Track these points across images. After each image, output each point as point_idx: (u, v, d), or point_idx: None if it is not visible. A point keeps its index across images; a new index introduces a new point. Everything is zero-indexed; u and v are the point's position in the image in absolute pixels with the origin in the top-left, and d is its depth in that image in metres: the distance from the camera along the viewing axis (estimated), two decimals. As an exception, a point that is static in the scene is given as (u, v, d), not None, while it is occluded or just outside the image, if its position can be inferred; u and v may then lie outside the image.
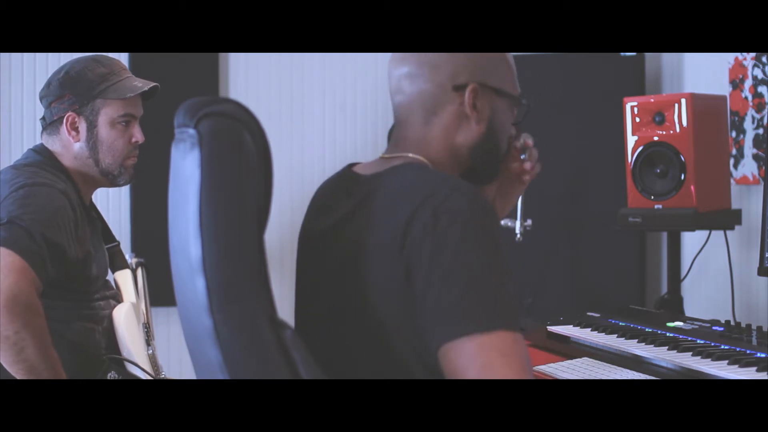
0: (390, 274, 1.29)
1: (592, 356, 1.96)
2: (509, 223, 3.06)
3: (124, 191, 3.54)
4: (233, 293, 1.19)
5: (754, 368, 1.68)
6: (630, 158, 2.68)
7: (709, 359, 1.76)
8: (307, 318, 1.48)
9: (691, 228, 2.64)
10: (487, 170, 1.51)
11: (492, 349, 1.20)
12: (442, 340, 1.23)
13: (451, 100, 1.44)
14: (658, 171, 2.64)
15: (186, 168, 1.20)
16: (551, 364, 1.93)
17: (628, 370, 1.82)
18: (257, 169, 1.21)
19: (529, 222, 3.10)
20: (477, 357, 1.20)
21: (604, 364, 1.89)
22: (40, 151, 2.11)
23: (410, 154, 1.44)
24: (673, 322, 2.14)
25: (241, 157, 1.20)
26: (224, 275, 1.18)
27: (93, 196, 2.20)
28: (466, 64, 1.44)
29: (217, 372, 1.20)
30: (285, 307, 1.25)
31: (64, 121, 2.08)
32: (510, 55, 1.52)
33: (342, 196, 1.44)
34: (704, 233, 2.79)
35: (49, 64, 3.43)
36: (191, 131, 1.19)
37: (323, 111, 3.80)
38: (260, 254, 1.20)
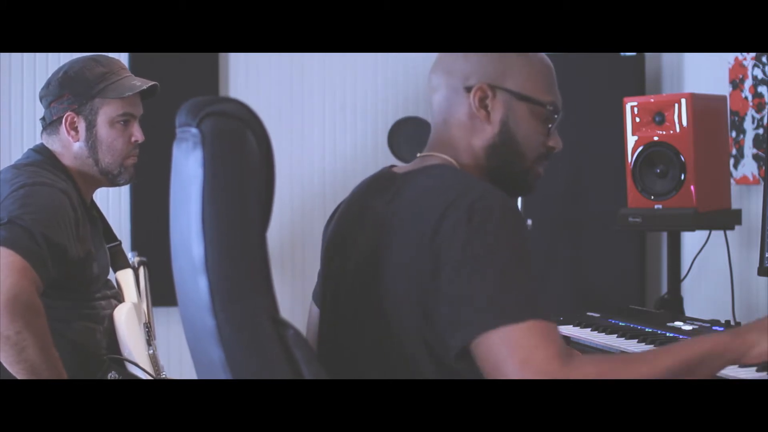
0: (415, 266, 1.31)
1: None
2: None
3: (125, 191, 3.54)
4: (236, 292, 1.19)
5: (754, 368, 1.68)
6: (630, 158, 2.68)
7: (709, 359, 1.75)
8: (332, 310, 1.50)
9: (691, 228, 2.64)
10: (511, 175, 1.51)
11: (523, 338, 1.22)
12: (475, 332, 1.24)
13: (464, 101, 1.47)
14: (658, 171, 2.64)
15: (188, 167, 1.20)
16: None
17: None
18: (260, 168, 1.21)
19: (529, 222, 3.10)
20: (509, 347, 1.22)
21: (604, 363, 1.89)
22: (41, 150, 2.11)
23: (442, 155, 1.48)
24: (673, 322, 2.14)
25: (243, 156, 1.20)
26: (227, 274, 1.18)
27: (93, 196, 2.19)
28: (478, 66, 1.47)
29: (219, 371, 1.20)
30: (286, 306, 1.25)
31: (64, 120, 2.08)
32: (543, 60, 1.52)
33: (377, 192, 1.47)
34: (704, 233, 2.79)
35: (49, 64, 3.43)
36: (194, 130, 1.19)
37: (323, 111, 3.80)
38: (263, 254, 1.20)
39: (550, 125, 1.51)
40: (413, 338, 1.34)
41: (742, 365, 1.44)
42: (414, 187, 1.41)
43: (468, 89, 1.47)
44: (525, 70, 1.49)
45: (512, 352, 1.22)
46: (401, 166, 1.53)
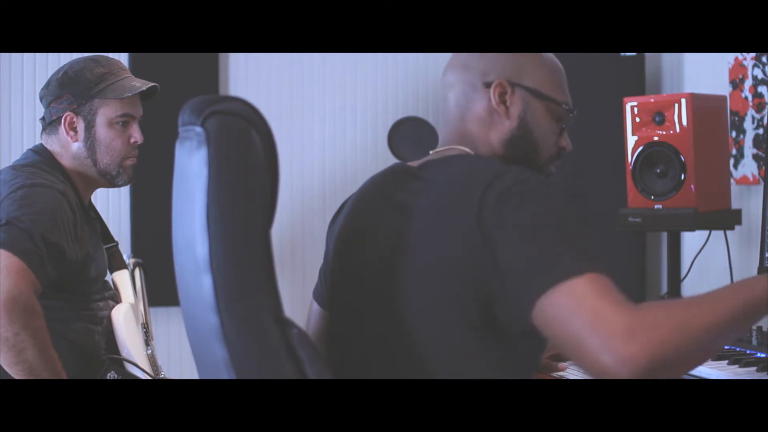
0: (459, 253, 1.31)
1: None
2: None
3: (124, 191, 3.53)
4: (240, 291, 1.19)
5: (754, 368, 1.68)
6: (630, 158, 2.68)
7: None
8: (350, 306, 1.49)
9: (691, 228, 2.64)
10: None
11: (585, 291, 1.20)
12: (534, 297, 1.23)
13: (483, 96, 1.50)
14: (658, 171, 2.64)
15: (192, 166, 1.20)
16: (551, 364, 1.92)
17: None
18: (264, 167, 1.21)
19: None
20: (574, 302, 1.20)
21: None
22: (39, 151, 2.11)
23: (461, 147, 1.50)
24: (674, 322, 2.13)
25: (248, 155, 1.20)
26: (231, 273, 1.18)
27: (92, 197, 2.19)
28: (496, 63, 1.50)
29: (222, 370, 1.19)
30: (286, 306, 1.25)
31: (63, 121, 2.08)
32: (556, 61, 1.56)
33: (397, 186, 1.47)
34: (704, 233, 2.79)
35: (49, 64, 3.43)
36: (198, 129, 1.19)
37: (323, 111, 3.80)
38: (267, 252, 1.20)
39: (564, 125, 1.55)
40: (455, 327, 1.33)
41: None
42: (439, 177, 1.41)
43: (486, 85, 1.50)
44: (541, 70, 1.52)
45: (579, 305, 1.19)
46: (415, 161, 1.52)
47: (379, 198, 1.49)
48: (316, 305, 1.63)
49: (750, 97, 2.95)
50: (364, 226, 1.49)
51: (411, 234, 1.37)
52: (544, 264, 1.24)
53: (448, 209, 1.34)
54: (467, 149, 1.49)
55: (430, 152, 1.53)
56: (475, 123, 1.51)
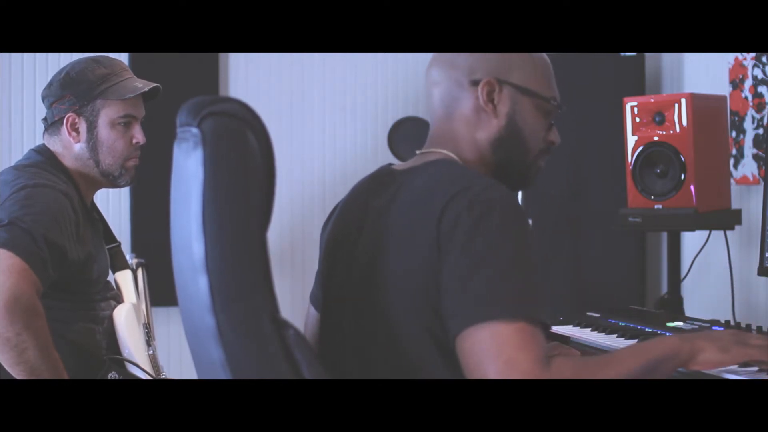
0: (420, 263, 1.32)
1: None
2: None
3: (125, 191, 3.54)
4: (236, 292, 1.19)
5: (755, 368, 1.68)
6: (630, 158, 2.68)
7: (710, 359, 1.75)
8: (336, 310, 1.50)
9: (691, 228, 2.64)
10: (515, 169, 1.52)
11: (511, 338, 1.23)
12: (464, 325, 1.25)
13: (470, 95, 1.48)
14: (658, 171, 2.64)
15: (189, 167, 1.20)
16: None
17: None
18: (260, 168, 1.21)
19: (529, 222, 3.10)
20: (496, 345, 1.23)
21: (605, 364, 1.89)
22: (42, 151, 2.11)
23: (443, 151, 1.48)
24: (673, 322, 2.14)
25: (244, 156, 1.20)
26: (227, 274, 1.19)
27: (94, 196, 2.19)
28: (483, 61, 1.48)
29: (219, 371, 1.20)
30: (286, 307, 1.25)
31: (65, 121, 2.08)
32: (543, 57, 1.54)
33: (377, 191, 1.47)
34: (704, 233, 2.79)
35: (49, 64, 3.43)
36: (194, 130, 1.19)
37: (323, 111, 3.80)
38: (263, 253, 1.20)
39: (552, 120, 1.54)
40: (423, 338, 1.34)
41: (689, 369, 1.47)
42: (415, 183, 1.41)
43: (474, 83, 1.48)
44: (528, 66, 1.51)
45: (499, 350, 1.22)
46: (400, 164, 1.53)
47: (362, 202, 1.50)
48: (312, 310, 1.63)
49: (750, 97, 2.95)
50: (349, 230, 1.49)
51: (387, 240, 1.38)
52: (481, 297, 1.25)
53: (417, 218, 1.35)
54: (450, 152, 1.48)
55: (417, 152, 1.53)
56: (461, 123, 1.49)
